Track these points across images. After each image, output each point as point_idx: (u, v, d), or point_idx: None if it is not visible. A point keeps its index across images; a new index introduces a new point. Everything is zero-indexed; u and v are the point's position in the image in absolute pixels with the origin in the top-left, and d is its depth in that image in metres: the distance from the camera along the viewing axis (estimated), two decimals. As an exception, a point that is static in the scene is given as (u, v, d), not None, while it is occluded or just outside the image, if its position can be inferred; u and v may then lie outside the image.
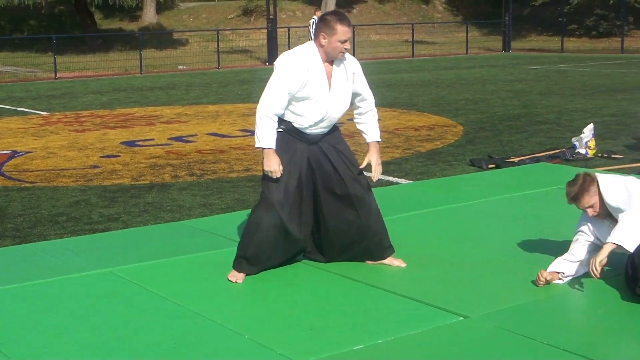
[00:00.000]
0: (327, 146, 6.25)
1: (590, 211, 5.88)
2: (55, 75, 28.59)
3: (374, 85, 23.37)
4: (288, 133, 6.14)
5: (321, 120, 6.13)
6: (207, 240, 7.21)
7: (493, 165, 10.77)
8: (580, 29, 46.11)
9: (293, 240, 6.25)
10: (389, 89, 21.56)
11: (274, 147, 6.00)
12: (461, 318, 5.41)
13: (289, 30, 35.90)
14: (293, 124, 6.14)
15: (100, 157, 12.09)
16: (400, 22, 50.53)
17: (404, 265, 6.50)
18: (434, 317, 5.43)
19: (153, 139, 13.67)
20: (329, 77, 6.10)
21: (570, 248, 6.05)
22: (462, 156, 11.62)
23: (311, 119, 6.10)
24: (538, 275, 5.93)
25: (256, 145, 6.01)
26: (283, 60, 6.02)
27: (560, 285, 5.95)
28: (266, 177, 6.12)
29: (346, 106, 6.23)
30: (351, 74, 6.22)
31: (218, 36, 33.52)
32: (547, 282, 5.91)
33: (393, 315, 5.51)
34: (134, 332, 5.30)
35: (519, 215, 8.11)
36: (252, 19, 50.06)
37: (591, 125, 11.56)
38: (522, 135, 13.37)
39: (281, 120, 6.10)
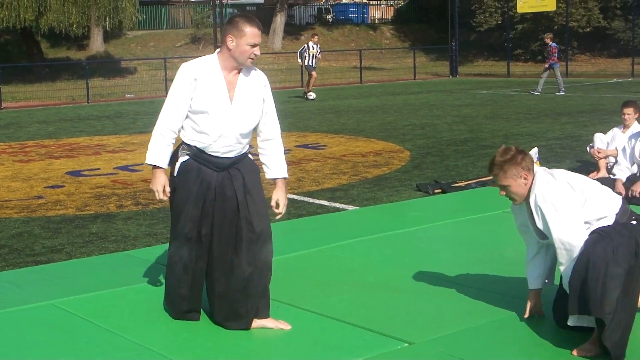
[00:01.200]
0: (236, 173, 5.59)
1: (501, 192, 5.56)
2: (1, 105, 28.26)
3: (322, 112, 23.34)
4: (194, 159, 5.56)
5: (223, 137, 5.49)
6: (152, 271, 7.13)
7: (439, 190, 10.81)
8: (525, 53, 46.71)
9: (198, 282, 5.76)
10: (337, 115, 21.59)
11: (164, 165, 5.54)
12: (406, 344, 5.40)
13: (237, 58, 35.85)
14: (197, 145, 5.53)
15: (45, 187, 11.95)
16: (349, 48, 50.80)
17: (288, 327, 5.75)
18: (379, 344, 5.42)
19: (99, 169, 13.55)
20: (232, 87, 5.52)
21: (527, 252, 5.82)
22: (408, 181, 11.66)
23: (212, 135, 5.48)
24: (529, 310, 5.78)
25: (145, 162, 5.59)
26: (179, 72, 5.56)
27: (505, 309, 5.98)
28: (173, 209, 5.68)
29: (254, 122, 5.60)
30: (262, 87, 5.67)
31: (165, 64, 33.38)
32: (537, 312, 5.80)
33: (338, 342, 5.48)
34: (75, 365, 5.22)
35: (464, 240, 8.15)
36: (200, 47, 50.01)
37: (536, 149, 11.63)
38: (468, 160, 13.46)
39: (186, 146, 5.57)
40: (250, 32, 5.42)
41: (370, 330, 5.64)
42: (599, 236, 5.18)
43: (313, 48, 27.87)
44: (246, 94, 5.55)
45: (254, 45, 5.44)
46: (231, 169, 5.58)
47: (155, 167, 5.54)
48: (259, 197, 5.63)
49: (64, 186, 11.97)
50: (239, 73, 5.56)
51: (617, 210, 5.38)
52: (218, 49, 5.59)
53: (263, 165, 5.76)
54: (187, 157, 5.58)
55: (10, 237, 8.95)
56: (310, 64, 27.77)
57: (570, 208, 5.28)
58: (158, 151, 5.53)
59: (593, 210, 5.34)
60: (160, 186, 5.53)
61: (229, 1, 57.56)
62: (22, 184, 12.33)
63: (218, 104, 5.47)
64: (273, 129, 5.73)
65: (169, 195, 5.56)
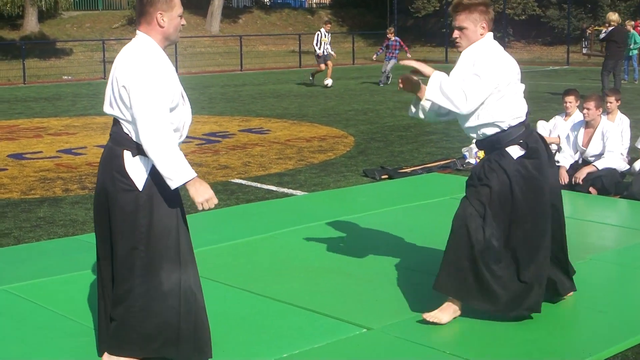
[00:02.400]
0: None
1: (456, 33, 5.64)
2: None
3: (263, 96, 23.21)
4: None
5: (186, 130, 4.94)
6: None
7: (386, 176, 10.88)
8: (462, 40, 47.04)
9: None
10: (279, 99, 21.57)
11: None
12: (364, 330, 5.46)
13: (175, 40, 35.55)
14: None
15: (-13, 170, 11.77)
16: (287, 32, 50.70)
17: None
18: (337, 330, 5.47)
19: (41, 152, 13.36)
20: None
21: None
22: (354, 167, 11.71)
23: (184, 131, 4.88)
24: None
25: (179, 183, 4.56)
26: (147, 69, 4.58)
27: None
28: (159, 229, 4.73)
29: None
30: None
31: (104, 46, 33.01)
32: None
33: (296, 328, 5.51)
34: (31, 350, 5.19)
35: (413, 226, 8.21)
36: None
37: (479, 136, 11.78)
38: (412, 146, 13.55)
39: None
40: (178, 1, 4.77)
41: (328, 316, 5.69)
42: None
43: (325, 36, 26.50)
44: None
45: (181, 15, 4.81)
46: None
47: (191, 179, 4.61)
48: None
49: (6, 169, 11.78)
50: None
51: (522, 118, 5.61)
52: (141, 34, 4.77)
53: None
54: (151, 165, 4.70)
55: (-45, 221, 8.81)
56: (326, 53, 26.36)
57: (483, 82, 5.42)
58: (184, 162, 4.59)
59: (501, 108, 5.55)
60: (212, 191, 4.67)
61: (166, -17, 56.94)
62: (-38, 166, 12.12)
63: (182, 93, 4.83)
64: None
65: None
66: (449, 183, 10.27)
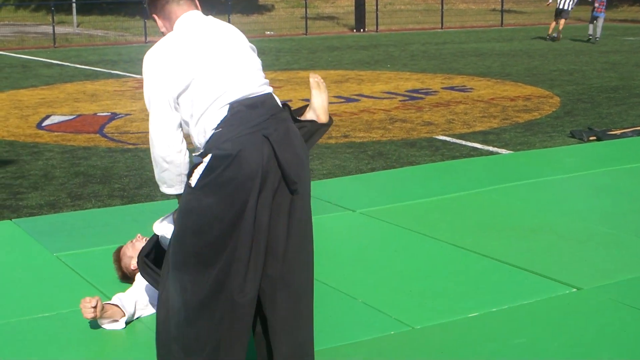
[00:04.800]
0: None
1: None
2: (146, 39, 28.89)
3: (465, 55, 23.14)
4: None
5: None
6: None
7: (594, 138, 10.62)
8: (674, 0, 45.06)
9: None
10: (481, 58, 21.33)
11: None
12: (574, 289, 5.38)
13: (377, -3, 35.72)
14: None
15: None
16: (488, -10, 49.88)
17: None
18: (547, 288, 5.42)
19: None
20: None
21: None
22: (561, 127, 11.48)
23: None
24: None
25: None
26: None
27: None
28: None
29: None
30: None
31: (306, 2, 33.52)
32: None
33: (504, 284, 5.50)
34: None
35: (622, 189, 8.01)
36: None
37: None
38: (621, 108, 13.14)
39: None
40: None
41: (537, 274, 5.63)
42: None
43: None
44: None
45: None
46: None
47: None
48: None
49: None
50: None
51: None
52: None
53: None
54: None
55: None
56: (567, 8, 26.42)
57: None
58: None
59: None
60: None
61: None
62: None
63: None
64: None
65: None
66: (661, 147, 9.94)
